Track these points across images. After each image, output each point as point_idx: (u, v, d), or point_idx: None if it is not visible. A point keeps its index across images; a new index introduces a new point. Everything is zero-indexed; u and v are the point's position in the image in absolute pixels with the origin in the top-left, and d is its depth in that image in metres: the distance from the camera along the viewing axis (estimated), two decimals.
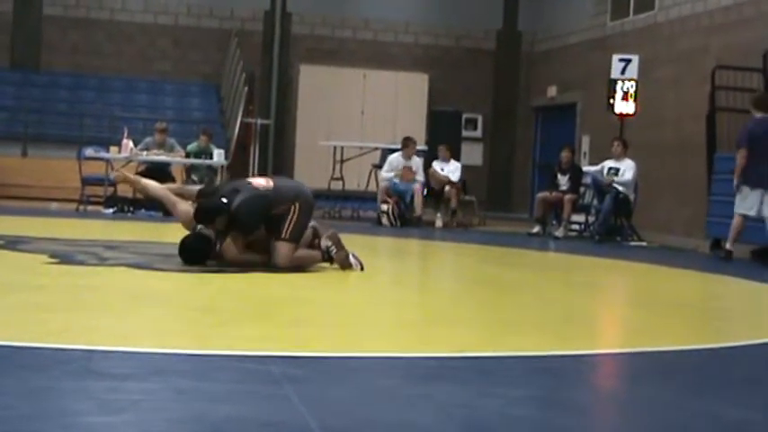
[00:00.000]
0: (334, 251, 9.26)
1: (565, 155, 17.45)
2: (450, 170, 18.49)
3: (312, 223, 9.52)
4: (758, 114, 13.71)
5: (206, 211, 9.06)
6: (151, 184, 10.08)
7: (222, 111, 24.24)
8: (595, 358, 5.91)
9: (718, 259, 13.78)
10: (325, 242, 9.29)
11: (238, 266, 8.87)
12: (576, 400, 4.67)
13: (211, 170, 18.01)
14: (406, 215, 17.86)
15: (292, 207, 9.04)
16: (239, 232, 9.00)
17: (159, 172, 17.43)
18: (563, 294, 9.34)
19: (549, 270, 12.65)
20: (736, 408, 4.63)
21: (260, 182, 9.39)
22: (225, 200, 8.99)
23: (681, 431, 4.16)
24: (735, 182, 13.59)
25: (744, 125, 14.02)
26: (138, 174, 17.41)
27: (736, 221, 13.64)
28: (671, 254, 14.88)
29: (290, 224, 9.02)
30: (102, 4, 24.32)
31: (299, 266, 9.14)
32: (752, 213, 13.53)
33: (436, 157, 18.87)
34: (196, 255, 9.00)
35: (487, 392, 4.59)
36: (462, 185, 18.73)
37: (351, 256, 9.36)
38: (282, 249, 9.02)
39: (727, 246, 13.76)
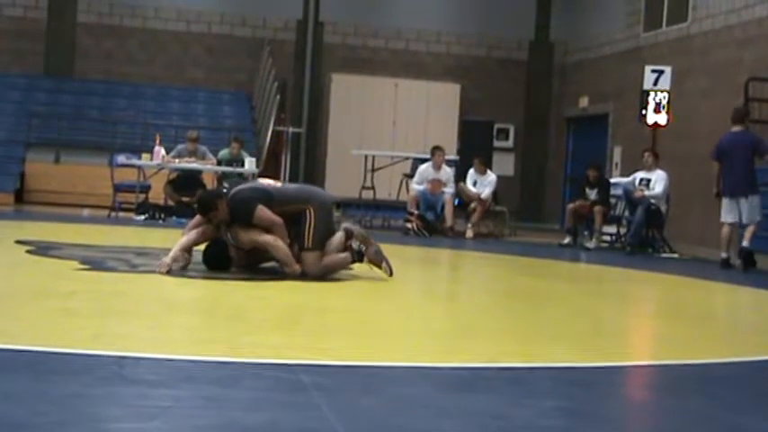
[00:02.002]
0: (364, 248, 9.27)
1: (592, 174, 17.39)
2: (483, 184, 18.38)
3: (345, 224, 9.52)
4: (734, 128, 14.42)
5: (206, 198, 9.24)
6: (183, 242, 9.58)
7: (254, 119, 24.29)
8: (626, 370, 5.89)
9: (721, 268, 14.05)
10: (355, 243, 9.28)
11: (257, 257, 8.99)
12: (606, 411, 4.65)
13: (242, 178, 18.03)
14: (436, 225, 17.82)
15: (307, 211, 9.05)
16: (240, 222, 8.99)
17: (191, 179, 17.50)
18: (594, 306, 9.31)
19: (580, 281, 12.61)
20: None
21: (267, 181, 9.61)
22: (225, 190, 9.17)
23: None
24: (714, 191, 14.66)
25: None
26: (169, 181, 17.53)
27: (723, 230, 14.34)
28: (703, 266, 14.79)
29: (309, 231, 9.03)
30: (136, 11, 24.43)
31: (329, 272, 9.14)
32: (732, 220, 14.29)
33: (471, 167, 18.78)
34: (218, 260, 9.06)
35: (518, 403, 4.58)
36: (493, 196, 18.66)
37: (383, 261, 9.36)
38: (308, 259, 9.03)
39: (722, 255, 14.26)
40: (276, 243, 8.97)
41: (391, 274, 9.31)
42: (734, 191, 14.23)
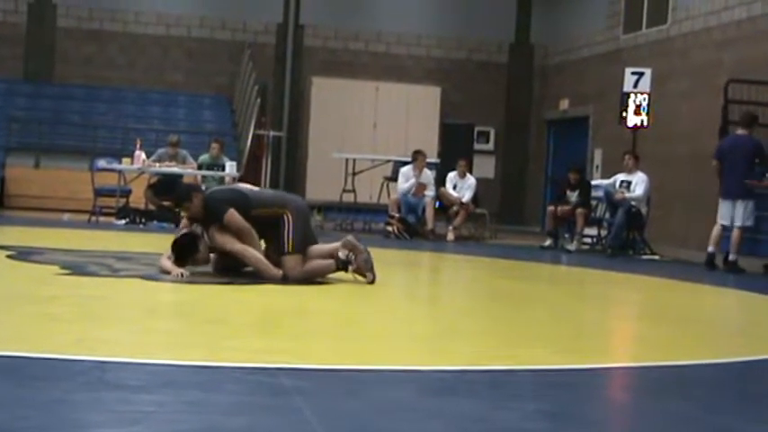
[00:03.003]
0: (353, 257, 9.25)
1: (573, 177, 17.43)
2: (463, 187, 18.40)
3: (349, 238, 9.50)
4: (739, 131, 14.56)
5: (183, 188, 9.69)
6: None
7: (235, 123, 24.27)
8: (608, 372, 5.90)
9: (706, 269, 14.14)
10: (342, 252, 9.27)
11: (236, 260, 9.04)
12: (589, 414, 4.66)
13: (222, 182, 18.03)
14: (417, 228, 17.84)
15: (284, 216, 9.09)
16: (213, 221, 9.04)
17: (171, 183, 17.46)
18: (575, 308, 9.32)
19: (562, 283, 12.63)
20: (750, 423, 4.61)
21: (245, 185, 9.77)
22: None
23: None
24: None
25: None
26: (149, 185, 17.49)
27: (714, 228, 14.47)
28: (684, 268, 14.84)
29: (288, 236, 9.07)
30: (116, 16, 24.37)
31: (310, 277, 9.14)
32: (726, 223, 14.33)
33: (452, 169, 18.78)
34: (185, 249, 9.10)
35: (501, 406, 4.58)
36: (474, 199, 18.67)
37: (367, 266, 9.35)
38: (289, 263, 9.05)
39: (709, 248, 14.40)
40: (246, 252, 8.99)
41: (372, 282, 9.29)
42: (730, 193, 14.29)
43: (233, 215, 8.98)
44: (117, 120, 23.25)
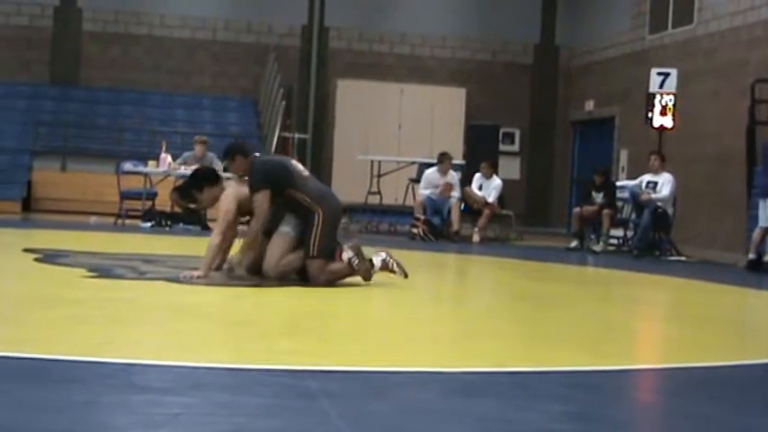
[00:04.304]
0: (356, 262, 9.19)
1: (597, 178, 17.40)
2: (489, 188, 18.35)
3: (355, 242, 9.47)
4: None
5: (231, 146, 9.72)
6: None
7: (260, 125, 24.30)
8: (634, 373, 5.88)
9: (746, 269, 14.07)
10: (347, 253, 9.21)
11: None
12: (615, 415, 4.65)
13: None
14: (442, 230, 17.82)
15: (317, 215, 8.99)
16: (249, 185, 9.13)
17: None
18: (601, 309, 9.30)
19: (588, 285, 12.60)
20: None
21: (298, 164, 9.63)
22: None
23: None
24: None
25: None
26: (175, 188, 17.48)
27: (755, 232, 14.33)
28: (710, 269, 14.77)
29: (315, 238, 8.95)
30: (141, 19, 24.46)
31: (333, 279, 9.13)
32: (764, 224, 14.18)
33: (477, 171, 18.74)
34: (200, 177, 9.46)
35: (526, 407, 4.57)
36: (500, 200, 18.63)
37: (395, 264, 9.29)
38: (313, 267, 9.00)
39: (750, 256, 14.25)
40: (213, 241, 8.96)
41: (406, 277, 9.24)
42: (762, 192, 14.25)
43: (263, 194, 8.97)
44: (142, 123, 23.32)
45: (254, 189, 9.04)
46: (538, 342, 6.74)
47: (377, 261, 9.23)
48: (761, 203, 14.20)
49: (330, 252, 9.10)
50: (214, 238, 8.99)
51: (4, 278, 9.16)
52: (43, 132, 22.77)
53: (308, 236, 8.99)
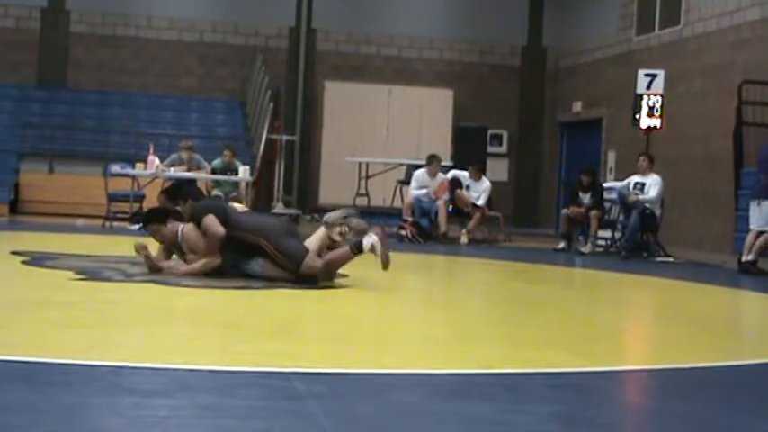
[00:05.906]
0: (347, 230, 9.35)
1: (585, 179, 17.43)
2: (478, 190, 18.32)
3: (347, 212, 9.59)
4: None
5: (183, 190, 10.40)
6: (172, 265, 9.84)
7: (247, 127, 24.29)
8: (623, 375, 5.89)
9: (738, 272, 14.05)
10: (335, 233, 9.33)
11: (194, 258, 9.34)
12: (603, 416, 4.65)
13: (236, 187, 18.05)
14: (431, 232, 17.82)
15: (261, 244, 9.13)
16: (194, 221, 9.38)
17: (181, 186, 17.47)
18: (589, 310, 9.31)
19: (576, 286, 12.62)
20: (767, 425, 4.60)
21: (237, 205, 10.35)
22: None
23: None
24: None
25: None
26: (163, 190, 17.48)
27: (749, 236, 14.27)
28: (698, 269, 14.81)
29: (279, 256, 9.08)
30: (128, 21, 24.42)
31: (333, 269, 9.13)
32: (754, 226, 14.20)
33: (457, 168, 18.72)
34: (153, 214, 9.82)
35: (514, 409, 4.58)
36: (488, 202, 18.63)
37: (380, 254, 9.12)
38: (305, 267, 9.00)
39: (749, 258, 14.14)
40: (210, 263, 9.21)
41: (385, 269, 9.19)
42: (756, 194, 14.27)
43: (210, 219, 9.14)
44: (130, 125, 23.31)
45: (199, 219, 9.25)
46: (526, 343, 6.75)
47: (366, 244, 9.12)
48: (752, 205, 14.22)
49: (304, 249, 9.13)
50: (212, 261, 9.21)
51: None
52: (30, 134, 22.74)
53: (272, 259, 9.12)
